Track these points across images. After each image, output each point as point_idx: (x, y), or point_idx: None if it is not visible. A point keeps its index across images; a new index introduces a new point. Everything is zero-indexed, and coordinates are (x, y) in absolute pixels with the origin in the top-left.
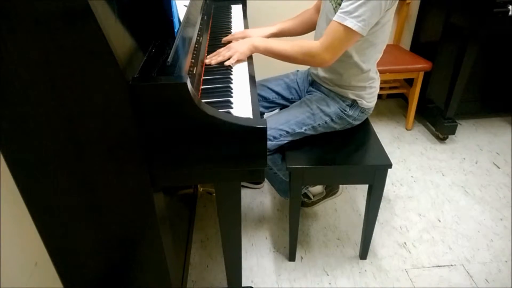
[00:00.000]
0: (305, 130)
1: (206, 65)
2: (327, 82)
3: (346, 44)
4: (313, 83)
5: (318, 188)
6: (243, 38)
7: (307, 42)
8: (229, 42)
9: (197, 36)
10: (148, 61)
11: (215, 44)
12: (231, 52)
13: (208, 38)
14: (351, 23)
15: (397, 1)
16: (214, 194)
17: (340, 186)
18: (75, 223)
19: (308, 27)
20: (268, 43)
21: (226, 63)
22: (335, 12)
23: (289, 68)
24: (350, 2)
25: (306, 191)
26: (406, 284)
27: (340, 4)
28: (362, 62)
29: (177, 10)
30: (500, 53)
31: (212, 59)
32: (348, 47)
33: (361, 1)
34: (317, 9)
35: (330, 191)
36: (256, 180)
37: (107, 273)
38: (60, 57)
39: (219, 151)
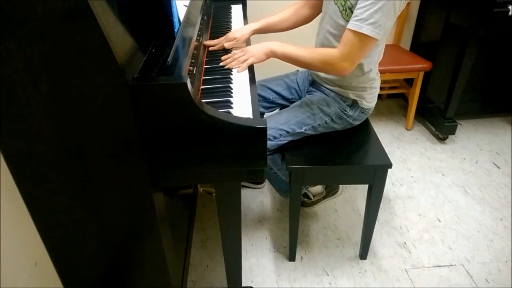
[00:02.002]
0: (305, 130)
1: (221, 65)
2: (328, 82)
3: (364, 51)
4: (314, 83)
5: (318, 188)
6: (226, 41)
7: (325, 50)
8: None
9: (197, 36)
10: (148, 61)
11: None
12: (246, 56)
13: (208, 38)
14: (368, 30)
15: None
16: (214, 194)
17: (340, 186)
18: (75, 223)
19: (295, 22)
20: (286, 49)
21: (239, 70)
22: (342, 16)
23: (289, 68)
24: (365, 8)
25: (306, 191)
26: (406, 284)
27: (350, 8)
28: (365, 64)
29: (177, 10)
30: (500, 53)
31: (227, 63)
32: (366, 53)
33: (376, 7)
34: (306, 4)
35: (330, 191)
36: (256, 180)
37: (107, 273)
38: (60, 57)
39: (219, 151)
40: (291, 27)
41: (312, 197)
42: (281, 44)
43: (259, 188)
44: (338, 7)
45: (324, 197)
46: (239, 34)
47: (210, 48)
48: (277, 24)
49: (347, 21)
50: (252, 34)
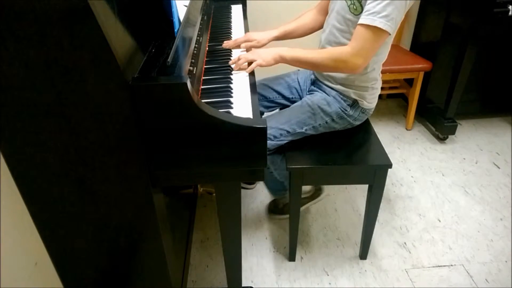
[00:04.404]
0: (306, 130)
1: (229, 65)
2: (330, 80)
3: (377, 46)
4: (315, 82)
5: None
6: (245, 41)
7: (335, 48)
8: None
9: (197, 36)
10: (148, 61)
11: (215, 44)
12: (254, 57)
13: (208, 38)
14: (380, 23)
15: None
16: (214, 194)
17: (326, 188)
18: (75, 223)
19: (311, 29)
20: (295, 53)
21: (247, 70)
22: (350, 10)
23: (290, 67)
24: (377, 2)
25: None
26: (406, 284)
27: (358, 1)
28: (371, 62)
29: (177, 10)
30: (500, 53)
31: (235, 61)
32: (378, 48)
33: (388, 1)
34: (320, 10)
35: (313, 196)
36: (257, 180)
37: (107, 273)
38: (60, 57)
39: (219, 151)
40: (306, 33)
41: (281, 205)
42: (289, 49)
43: (250, 189)
44: (346, 2)
45: (308, 201)
46: (259, 37)
47: (224, 45)
48: (294, 31)
49: (355, 15)
50: (271, 40)
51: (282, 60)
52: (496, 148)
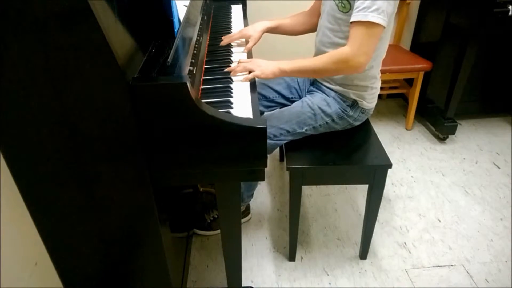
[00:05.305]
0: (306, 130)
1: (228, 73)
2: (329, 81)
3: (375, 40)
4: (314, 83)
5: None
6: (240, 37)
7: (335, 50)
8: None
9: (197, 36)
10: (148, 61)
11: (215, 44)
12: (253, 67)
13: (208, 38)
14: (373, 17)
15: None
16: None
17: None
18: (75, 223)
19: (304, 29)
20: (294, 64)
21: (243, 79)
22: (339, 8)
23: None
24: None
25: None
26: (406, 284)
27: None
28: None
29: (177, 10)
30: (500, 53)
31: (232, 69)
32: (376, 43)
33: None
34: (313, 12)
35: (242, 213)
36: (257, 181)
37: (107, 273)
38: (60, 57)
39: (219, 151)
40: (298, 33)
41: (208, 220)
42: (289, 62)
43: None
44: (334, 1)
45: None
46: (253, 32)
47: (222, 43)
48: (287, 27)
49: (344, 13)
50: (265, 31)
51: (282, 73)
52: (496, 148)
